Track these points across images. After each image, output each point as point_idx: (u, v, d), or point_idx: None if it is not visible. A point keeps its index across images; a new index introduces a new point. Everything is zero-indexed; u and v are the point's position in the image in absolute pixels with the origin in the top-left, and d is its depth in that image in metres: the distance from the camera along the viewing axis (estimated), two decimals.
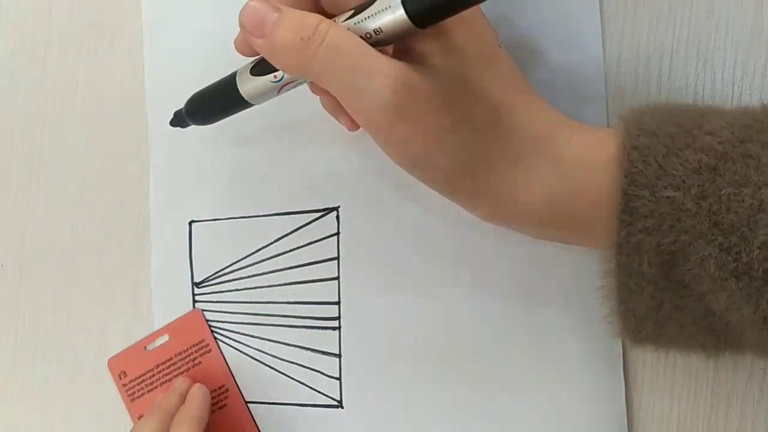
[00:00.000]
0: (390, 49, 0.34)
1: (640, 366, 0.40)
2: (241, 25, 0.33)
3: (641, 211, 0.31)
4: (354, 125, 0.40)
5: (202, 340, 0.46)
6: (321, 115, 0.43)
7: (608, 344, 0.40)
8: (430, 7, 0.30)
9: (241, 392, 0.45)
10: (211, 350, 0.46)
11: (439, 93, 0.32)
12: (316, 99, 0.43)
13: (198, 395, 0.44)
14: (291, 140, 0.44)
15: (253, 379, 0.45)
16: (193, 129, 0.43)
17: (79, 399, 0.48)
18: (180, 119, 0.41)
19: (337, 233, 0.44)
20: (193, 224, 0.46)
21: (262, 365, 0.45)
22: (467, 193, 0.34)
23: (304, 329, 0.44)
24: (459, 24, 0.33)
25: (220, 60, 0.45)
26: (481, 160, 0.33)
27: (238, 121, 0.45)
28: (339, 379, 0.44)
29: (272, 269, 0.45)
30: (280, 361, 0.45)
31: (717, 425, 0.39)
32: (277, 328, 0.45)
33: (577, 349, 0.40)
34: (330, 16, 0.33)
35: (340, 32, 0.32)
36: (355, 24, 0.31)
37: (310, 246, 0.44)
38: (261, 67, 0.35)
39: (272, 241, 0.45)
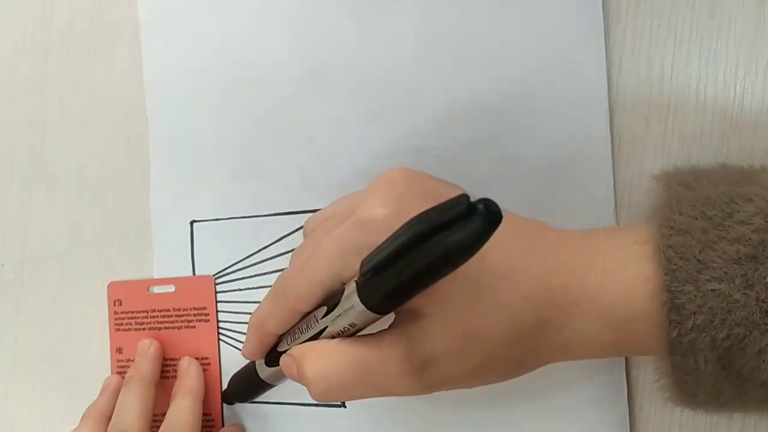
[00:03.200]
0: None
1: (642, 366, 0.40)
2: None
3: (689, 307, 0.31)
4: None
5: (204, 308, 0.46)
6: (321, 115, 0.43)
7: None
8: (384, 300, 0.31)
9: (220, 370, 0.46)
10: (209, 320, 0.46)
11: (447, 340, 0.33)
12: (316, 99, 0.43)
13: (193, 367, 0.45)
14: (291, 140, 0.44)
15: None
16: (193, 128, 0.43)
17: (80, 399, 0.48)
18: (227, 398, 0.45)
19: None
20: (195, 224, 0.46)
21: None
22: (521, 372, 0.35)
23: None
24: None
25: (219, 59, 0.45)
26: (525, 351, 0.34)
27: (239, 120, 0.45)
28: None
29: (274, 269, 0.44)
30: None
31: (719, 426, 0.39)
32: None
33: None
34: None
35: (341, 362, 0.34)
36: (332, 321, 0.34)
37: None
38: (271, 359, 0.39)
39: (274, 240, 0.45)
